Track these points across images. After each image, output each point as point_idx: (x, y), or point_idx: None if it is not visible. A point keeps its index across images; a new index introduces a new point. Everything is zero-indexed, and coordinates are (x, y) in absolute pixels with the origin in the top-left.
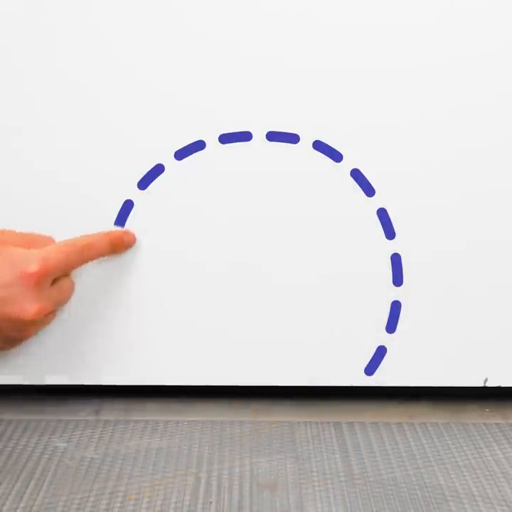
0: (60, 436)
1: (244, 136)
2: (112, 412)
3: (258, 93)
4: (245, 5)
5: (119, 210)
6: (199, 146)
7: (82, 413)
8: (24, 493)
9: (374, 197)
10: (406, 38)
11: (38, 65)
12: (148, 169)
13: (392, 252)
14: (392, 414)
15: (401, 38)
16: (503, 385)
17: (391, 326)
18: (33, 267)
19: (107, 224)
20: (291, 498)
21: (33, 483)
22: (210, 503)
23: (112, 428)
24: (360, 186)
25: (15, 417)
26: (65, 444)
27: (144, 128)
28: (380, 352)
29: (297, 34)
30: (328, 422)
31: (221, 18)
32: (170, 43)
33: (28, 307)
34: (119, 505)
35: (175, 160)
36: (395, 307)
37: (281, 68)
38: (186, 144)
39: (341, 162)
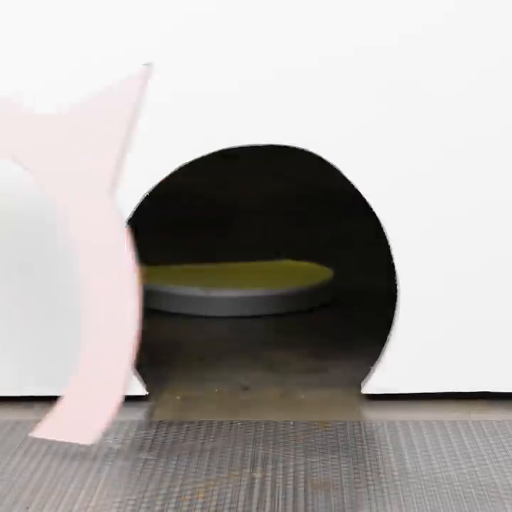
0: (114, 437)
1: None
2: (165, 412)
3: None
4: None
5: None
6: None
7: (136, 414)
8: (78, 494)
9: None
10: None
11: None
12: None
13: None
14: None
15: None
16: None
17: None
18: None
19: None
20: (345, 498)
21: (87, 484)
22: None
23: (165, 429)
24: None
25: None
26: (119, 445)
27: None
28: None
29: (292, 43)
30: (382, 422)
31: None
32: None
33: None
34: (173, 506)
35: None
36: None
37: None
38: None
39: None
